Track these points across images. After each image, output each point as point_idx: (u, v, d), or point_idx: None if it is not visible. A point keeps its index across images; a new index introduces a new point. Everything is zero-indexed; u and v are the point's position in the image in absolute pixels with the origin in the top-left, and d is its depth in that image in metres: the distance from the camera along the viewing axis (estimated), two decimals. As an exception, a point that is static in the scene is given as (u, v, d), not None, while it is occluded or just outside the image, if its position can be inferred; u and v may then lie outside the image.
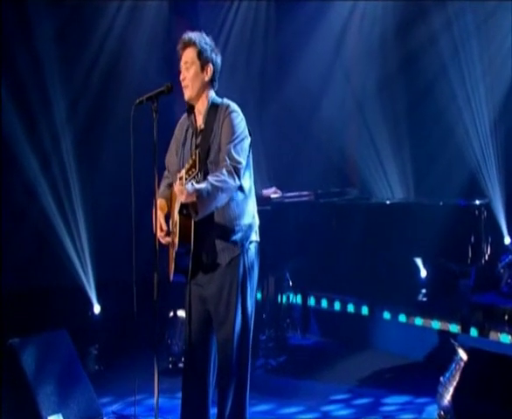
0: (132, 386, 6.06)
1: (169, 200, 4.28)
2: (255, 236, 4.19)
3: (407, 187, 8.05)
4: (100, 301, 7.66)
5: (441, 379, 4.97)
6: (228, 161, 3.93)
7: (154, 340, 4.10)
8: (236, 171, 3.92)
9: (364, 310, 7.35)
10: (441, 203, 6.39)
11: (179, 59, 4.18)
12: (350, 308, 7.47)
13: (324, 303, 7.68)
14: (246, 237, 4.12)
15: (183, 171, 3.84)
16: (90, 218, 7.60)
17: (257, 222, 4.22)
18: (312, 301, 7.57)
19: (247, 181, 4.12)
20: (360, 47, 8.32)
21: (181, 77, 4.16)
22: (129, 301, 7.43)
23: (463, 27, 7.29)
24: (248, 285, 4.12)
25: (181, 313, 6.52)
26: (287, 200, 6.74)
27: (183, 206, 3.97)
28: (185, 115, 4.29)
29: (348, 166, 8.53)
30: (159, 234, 4.06)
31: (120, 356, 6.96)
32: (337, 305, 7.58)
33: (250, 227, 4.14)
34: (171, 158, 4.34)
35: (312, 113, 8.25)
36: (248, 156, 4.10)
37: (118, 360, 6.86)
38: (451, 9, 7.36)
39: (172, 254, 4.17)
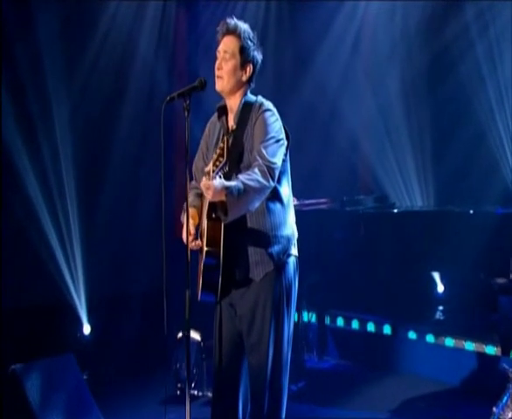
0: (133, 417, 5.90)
1: (200, 209, 4.07)
2: (294, 250, 3.97)
3: (428, 196, 7.93)
4: (90, 321, 7.36)
5: (494, 409, 4.81)
6: (260, 161, 3.70)
7: (187, 365, 3.87)
8: (269, 171, 3.69)
9: (387, 329, 7.13)
10: (478, 212, 6.25)
11: (217, 43, 3.97)
12: (370, 327, 7.25)
13: (340, 321, 7.47)
14: (284, 251, 3.90)
15: (210, 163, 3.65)
16: (85, 231, 7.38)
17: (296, 234, 4.02)
18: (327, 320, 7.39)
19: (286, 188, 3.92)
20: (381, 48, 8.21)
21: (216, 64, 3.94)
22: (122, 320, 7.38)
23: (497, 23, 7.17)
24: (285, 305, 3.89)
25: (191, 334, 6.27)
26: (305, 208, 6.55)
27: (211, 209, 3.76)
28: (216, 115, 4.08)
29: (361, 170, 8.38)
30: (186, 238, 3.82)
31: (115, 383, 6.73)
32: (355, 324, 7.37)
33: (288, 239, 3.93)
34: (199, 163, 4.13)
35: (330, 117, 8.12)
36: (285, 161, 3.90)
37: (113, 387, 6.63)
38: (484, 5, 7.26)
39: (201, 268, 3.92)
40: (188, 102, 3.76)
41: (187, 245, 3.82)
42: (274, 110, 3.92)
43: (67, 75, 7.23)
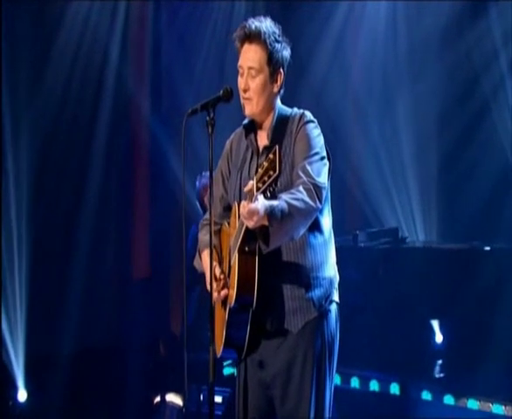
0: None
1: (220, 249, 3.91)
2: (336, 296, 3.81)
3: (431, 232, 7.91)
4: (28, 385, 7.04)
5: None
6: (305, 178, 3.52)
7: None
8: (316, 190, 3.51)
9: (394, 388, 6.94)
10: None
11: (237, 52, 3.72)
12: (374, 386, 7.06)
13: (337, 379, 7.21)
14: (326, 296, 3.73)
15: (253, 181, 3.34)
16: (28, 284, 7.26)
17: (337, 276, 3.82)
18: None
19: (327, 220, 3.75)
20: (388, 62, 8.26)
21: (241, 85, 3.69)
22: (67, 384, 7.06)
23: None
24: (327, 362, 3.75)
25: (171, 398, 6.03)
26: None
27: (246, 239, 3.48)
28: (240, 132, 3.87)
29: (358, 199, 8.33)
30: (214, 287, 3.68)
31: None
32: (355, 382, 7.16)
33: (330, 282, 3.76)
34: (217, 191, 3.91)
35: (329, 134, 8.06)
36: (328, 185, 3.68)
37: None
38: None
39: (222, 317, 3.68)
40: (212, 115, 3.56)
41: (211, 293, 3.64)
42: (316, 122, 3.75)
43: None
